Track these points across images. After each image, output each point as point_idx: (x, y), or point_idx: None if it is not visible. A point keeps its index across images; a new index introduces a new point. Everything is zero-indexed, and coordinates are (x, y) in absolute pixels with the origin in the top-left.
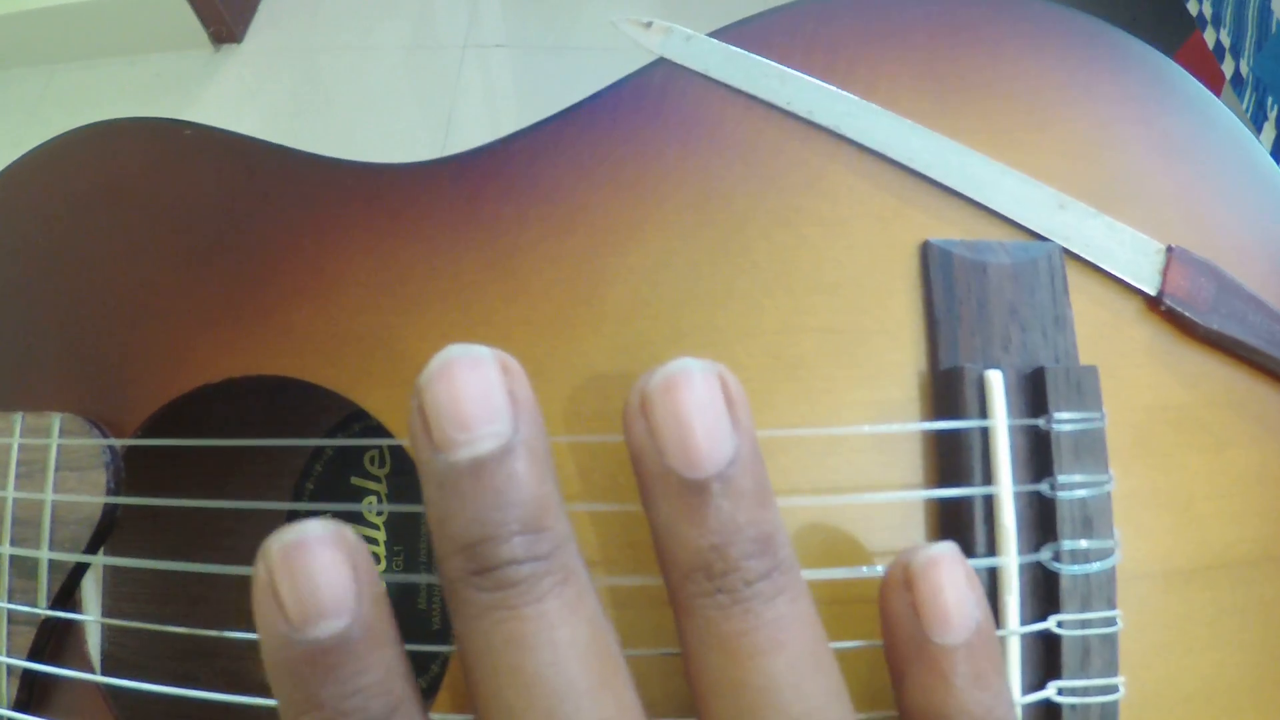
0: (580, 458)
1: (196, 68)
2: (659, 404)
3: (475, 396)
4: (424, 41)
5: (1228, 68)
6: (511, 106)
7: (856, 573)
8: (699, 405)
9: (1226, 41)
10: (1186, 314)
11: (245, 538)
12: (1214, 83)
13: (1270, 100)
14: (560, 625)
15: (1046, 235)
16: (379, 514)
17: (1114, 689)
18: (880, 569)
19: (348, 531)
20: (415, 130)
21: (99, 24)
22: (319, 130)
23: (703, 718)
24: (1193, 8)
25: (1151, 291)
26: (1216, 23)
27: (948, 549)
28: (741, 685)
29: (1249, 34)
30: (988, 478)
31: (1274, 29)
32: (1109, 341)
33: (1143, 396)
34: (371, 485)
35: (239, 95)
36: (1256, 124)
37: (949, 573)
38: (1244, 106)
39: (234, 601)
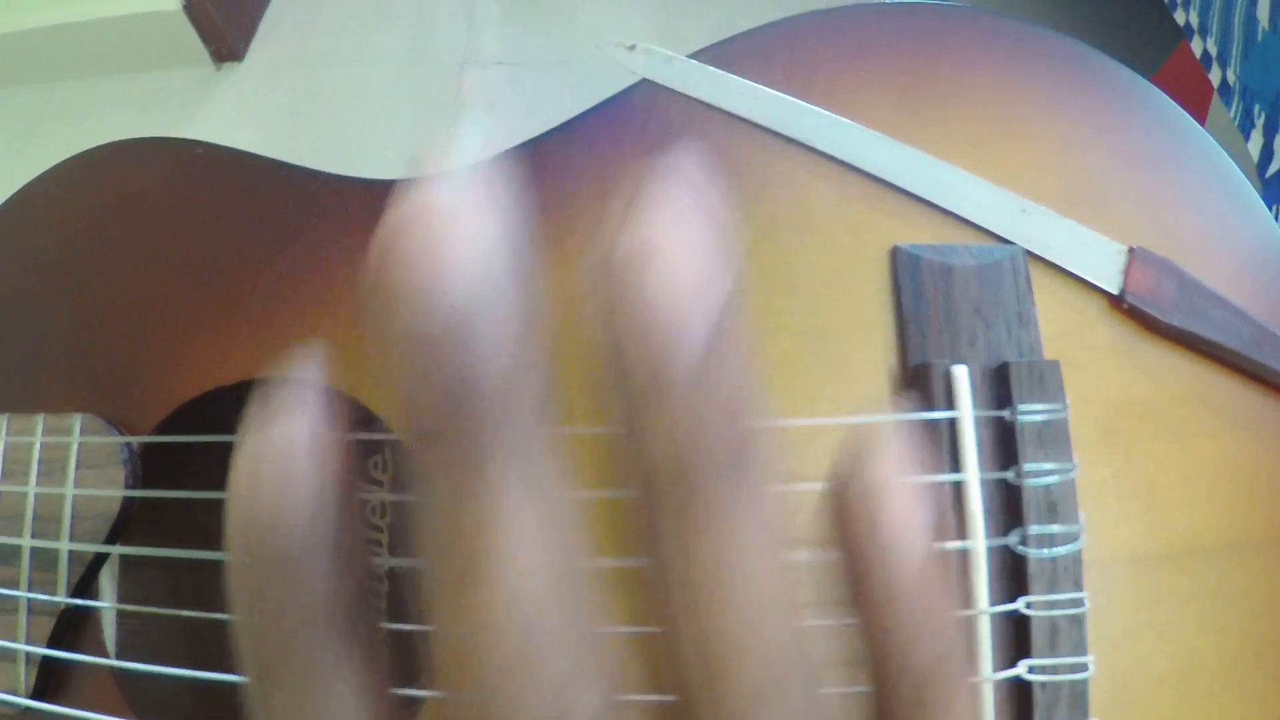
0: (575, 451)
1: (198, 85)
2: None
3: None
4: (423, 58)
5: (1215, 76)
6: (510, 120)
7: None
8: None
9: (1213, 50)
10: (1149, 311)
11: None
12: (1201, 91)
13: (1257, 108)
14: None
15: (1010, 239)
16: (383, 518)
17: (1083, 668)
18: None
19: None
20: (415, 145)
21: (101, 42)
22: (320, 146)
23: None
24: (1180, 17)
25: (1114, 290)
26: (1204, 32)
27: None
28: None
29: (1235, 42)
30: (956, 466)
31: (1260, 37)
32: (1074, 338)
33: (1108, 390)
34: (375, 491)
35: (240, 112)
36: (1244, 131)
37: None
38: (1231, 114)
39: None
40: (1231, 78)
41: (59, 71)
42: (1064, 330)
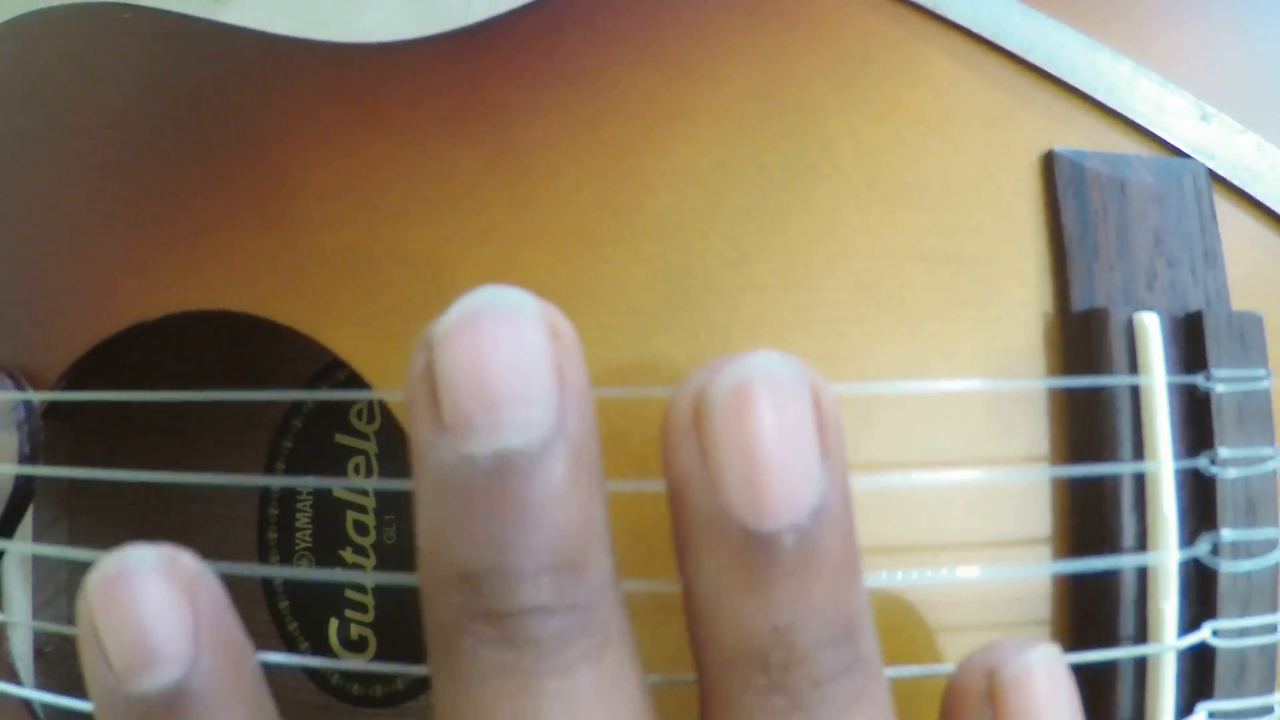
0: (610, 418)
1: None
2: (724, 420)
3: (511, 365)
4: None
5: None
6: None
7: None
8: (782, 426)
9: None
10: None
11: (216, 503)
12: None
13: None
14: (591, 711)
15: (1188, 151)
16: (368, 477)
17: (1269, 709)
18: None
19: (186, 559)
20: None
21: None
22: None
23: None
24: None
25: None
26: None
27: (1049, 654)
28: None
29: None
30: (1139, 452)
31: None
32: (1260, 286)
33: None
34: (359, 444)
35: None
36: None
37: (1050, 689)
38: None
39: None
40: None
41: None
42: (1248, 275)
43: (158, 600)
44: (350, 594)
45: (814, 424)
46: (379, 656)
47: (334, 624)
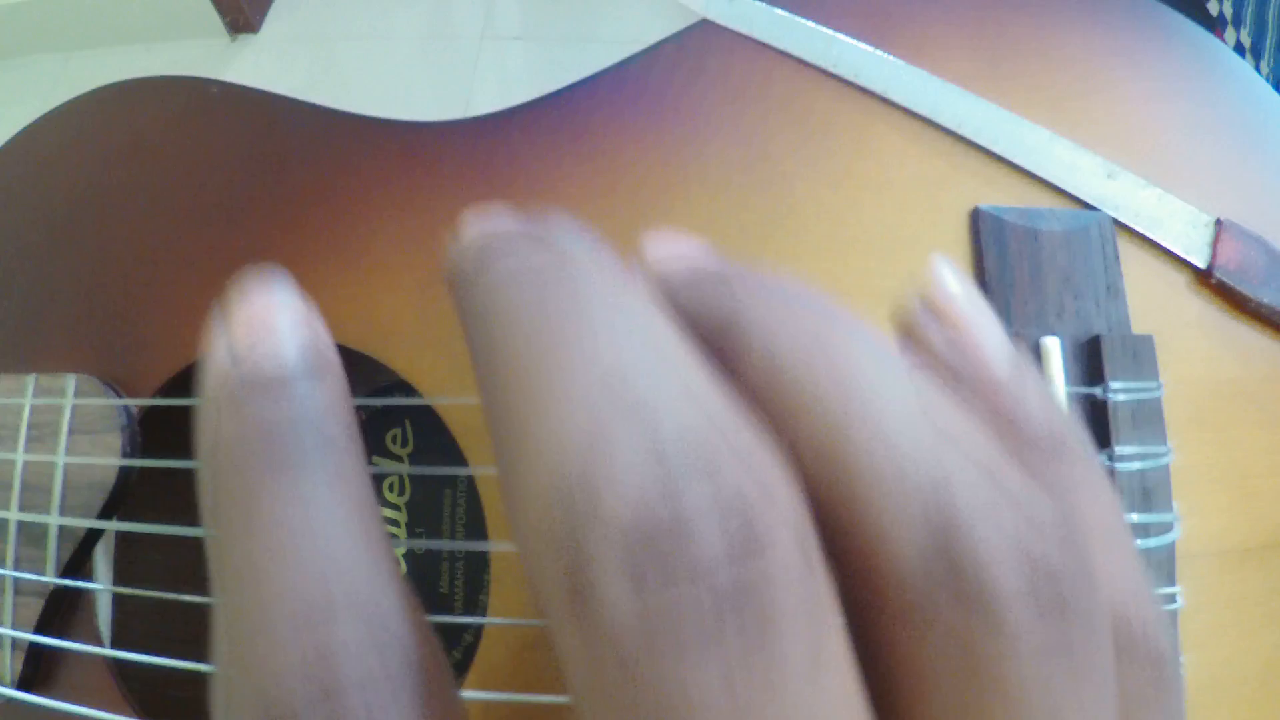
0: None
1: (213, 57)
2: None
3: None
4: (441, 32)
5: None
6: (529, 98)
7: None
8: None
9: (1247, 42)
10: (1238, 287)
11: None
12: None
13: None
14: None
15: (1096, 204)
16: (400, 495)
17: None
18: None
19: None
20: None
21: (116, 11)
22: None
23: None
24: (1213, 8)
25: (1202, 264)
26: (1237, 23)
27: (942, 260)
28: None
29: (1269, 35)
30: None
31: None
32: (1160, 313)
33: (1195, 370)
34: (393, 465)
35: (255, 85)
36: None
37: (955, 281)
38: None
39: None
40: (1265, 70)
41: (74, 41)
42: (1150, 305)
43: (288, 309)
44: None
45: None
46: None
47: None
